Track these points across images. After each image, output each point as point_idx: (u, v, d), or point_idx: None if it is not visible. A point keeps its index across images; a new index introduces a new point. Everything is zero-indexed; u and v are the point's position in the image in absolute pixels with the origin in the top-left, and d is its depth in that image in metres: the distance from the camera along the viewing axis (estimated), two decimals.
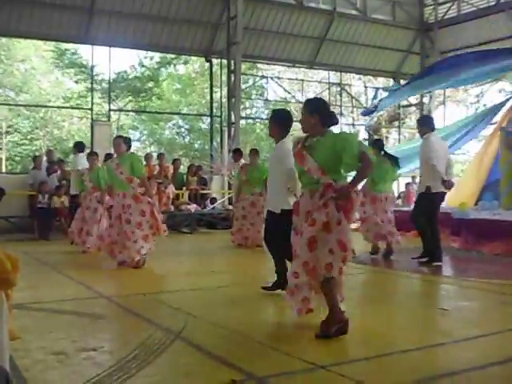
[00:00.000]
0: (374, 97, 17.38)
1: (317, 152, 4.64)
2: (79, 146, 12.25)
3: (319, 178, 4.59)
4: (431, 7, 21.67)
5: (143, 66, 28.92)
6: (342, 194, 4.46)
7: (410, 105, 24.38)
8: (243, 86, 22.04)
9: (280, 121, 6.12)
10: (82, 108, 24.44)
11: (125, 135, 9.76)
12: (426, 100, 23.00)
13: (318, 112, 4.71)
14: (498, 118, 13.80)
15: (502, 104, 13.81)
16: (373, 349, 4.20)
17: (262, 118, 29.97)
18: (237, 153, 12.70)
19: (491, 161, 12.82)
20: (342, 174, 4.67)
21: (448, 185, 8.32)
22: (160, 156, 16.16)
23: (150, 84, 29.07)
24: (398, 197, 18.60)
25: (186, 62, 29.59)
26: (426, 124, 8.69)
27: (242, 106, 21.01)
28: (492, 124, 14.34)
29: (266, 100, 27.91)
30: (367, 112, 16.28)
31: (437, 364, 3.91)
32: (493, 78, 14.09)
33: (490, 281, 7.11)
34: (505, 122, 12.88)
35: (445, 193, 8.59)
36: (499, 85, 24.37)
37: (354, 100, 25.03)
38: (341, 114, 24.46)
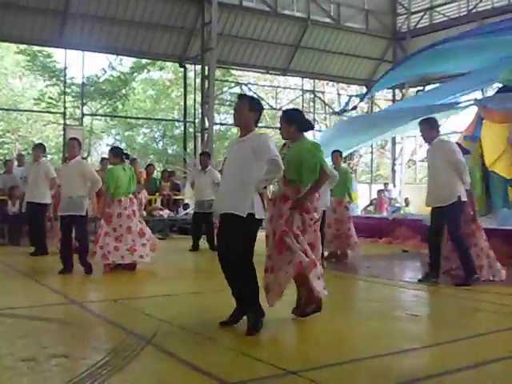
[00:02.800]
0: (347, 104, 17.53)
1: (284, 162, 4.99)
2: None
3: (284, 188, 5.15)
4: (404, 16, 21.96)
5: (117, 70, 28.75)
6: (297, 205, 5.02)
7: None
8: (217, 92, 22.03)
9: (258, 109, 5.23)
10: (55, 112, 24.20)
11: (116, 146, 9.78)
12: None
13: (295, 122, 5.34)
14: (464, 126, 13.99)
15: (463, 106, 13.97)
16: (344, 354, 4.23)
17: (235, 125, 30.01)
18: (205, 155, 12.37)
19: None
20: (304, 183, 5.12)
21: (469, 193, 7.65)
22: (133, 161, 16.06)
23: (124, 89, 28.91)
24: (370, 204, 18.77)
25: (161, 68, 29.47)
26: (435, 127, 7.60)
27: (215, 112, 21.02)
28: (456, 133, 14.57)
29: None
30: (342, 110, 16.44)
31: (407, 369, 3.95)
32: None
33: (461, 287, 7.19)
34: (469, 131, 13.07)
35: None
36: (472, 94, 24.69)
37: (327, 107, 25.18)
38: (314, 121, 24.61)
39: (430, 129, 7.59)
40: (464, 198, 7.34)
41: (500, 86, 13.35)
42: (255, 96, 24.49)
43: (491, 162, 12.39)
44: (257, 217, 4.82)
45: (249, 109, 5.04)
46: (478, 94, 16.73)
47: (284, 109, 5.68)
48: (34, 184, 10.37)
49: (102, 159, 13.90)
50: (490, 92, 17.10)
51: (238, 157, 4.99)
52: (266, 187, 5.03)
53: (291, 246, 4.87)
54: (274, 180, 5.13)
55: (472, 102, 13.45)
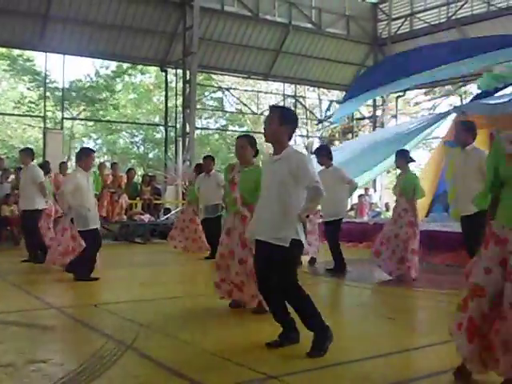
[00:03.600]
0: (328, 109, 17.61)
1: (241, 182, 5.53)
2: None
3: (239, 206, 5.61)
4: (385, 22, 22.11)
5: (99, 75, 28.63)
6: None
7: (364, 118, 24.77)
8: (198, 97, 22.03)
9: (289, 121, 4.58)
10: (35, 116, 24.04)
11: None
12: (378, 113, 23.41)
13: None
14: (444, 131, 14.11)
15: (443, 115, 14.09)
16: (324, 359, 4.24)
17: (217, 129, 30.05)
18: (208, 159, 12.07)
19: (438, 173, 13.12)
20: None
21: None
22: (113, 165, 15.99)
23: (105, 93, 28.79)
24: (351, 209, 18.84)
25: (142, 73, 29.39)
26: (473, 132, 6.89)
27: (197, 117, 21.01)
28: (437, 138, 14.68)
29: (222, 111, 28.01)
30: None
31: (387, 373, 3.96)
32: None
33: (439, 291, 7.24)
34: (449, 136, 13.19)
35: None
36: (450, 99, 24.97)
37: (308, 112, 25.27)
38: None
39: (466, 132, 6.84)
40: None
41: (478, 92, 13.49)
42: (238, 101, 24.60)
43: None
44: (302, 241, 4.44)
45: (279, 122, 4.43)
46: (456, 101, 16.89)
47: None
48: (23, 191, 10.00)
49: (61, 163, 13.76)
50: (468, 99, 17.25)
51: (277, 179, 4.42)
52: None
53: None
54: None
55: (451, 109, 13.58)
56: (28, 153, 10.04)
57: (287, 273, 4.43)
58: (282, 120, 4.44)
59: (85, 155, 8.13)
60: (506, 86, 12.94)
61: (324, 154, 9.09)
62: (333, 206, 8.62)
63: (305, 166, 4.34)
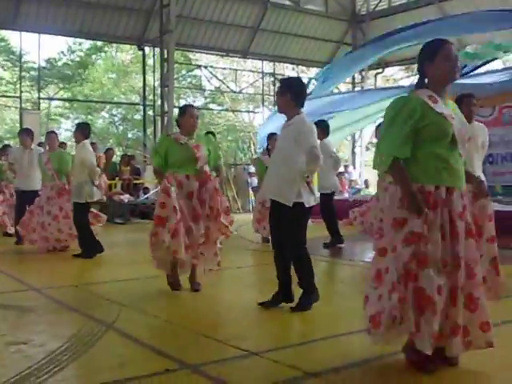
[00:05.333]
0: (307, 86, 17.51)
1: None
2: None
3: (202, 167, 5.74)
4: None
5: (74, 52, 28.24)
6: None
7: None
8: (176, 75, 21.86)
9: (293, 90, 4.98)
10: (10, 96, 23.71)
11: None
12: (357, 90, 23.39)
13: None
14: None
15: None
16: (305, 334, 4.27)
17: (196, 108, 29.83)
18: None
19: None
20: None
21: None
22: (92, 145, 15.80)
23: (81, 71, 28.42)
24: None
25: (119, 50, 29.06)
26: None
27: (175, 96, 20.84)
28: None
29: (200, 89, 27.82)
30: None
31: (367, 348, 3.99)
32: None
33: None
34: None
35: None
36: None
37: None
38: (274, 104, 24.59)
39: (474, 105, 5.93)
40: None
41: None
42: (216, 79, 24.42)
43: None
44: (306, 205, 4.82)
45: (281, 93, 4.99)
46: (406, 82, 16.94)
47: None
48: (28, 172, 9.77)
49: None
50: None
51: (284, 143, 4.97)
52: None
53: None
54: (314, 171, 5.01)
55: (404, 90, 13.58)
56: (29, 134, 9.96)
57: (292, 230, 4.88)
58: (286, 91, 4.93)
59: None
60: (477, 67, 13.02)
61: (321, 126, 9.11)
62: (319, 179, 8.62)
63: (305, 131, 4.85)
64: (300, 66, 25.36)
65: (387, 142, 3.44)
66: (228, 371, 3.51)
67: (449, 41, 3.48)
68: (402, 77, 27.23)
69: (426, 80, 3.51)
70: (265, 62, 22.66)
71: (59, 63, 27.67)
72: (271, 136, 9.48)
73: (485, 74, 12.55)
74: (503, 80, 11.33)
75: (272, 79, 23.22)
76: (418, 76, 3.59)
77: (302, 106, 4.99)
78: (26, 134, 9.99)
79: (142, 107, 21.16)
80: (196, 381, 3.39)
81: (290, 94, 4.89)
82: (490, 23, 11.89)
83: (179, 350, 3.88)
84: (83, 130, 8.48)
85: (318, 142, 5.05)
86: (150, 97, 20.42)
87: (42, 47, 17.84)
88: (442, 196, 3.35)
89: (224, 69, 26.44)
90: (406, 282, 3.27)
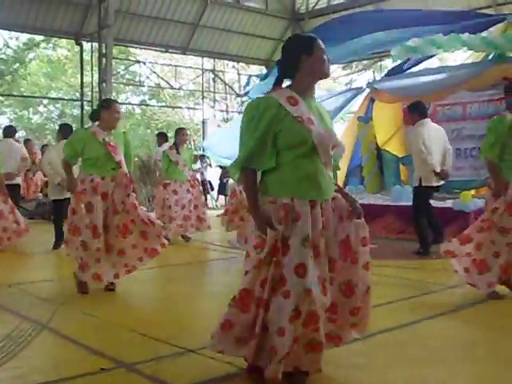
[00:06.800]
0: (247, 84, 17.57)
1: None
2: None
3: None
4: None
5: (9, 47, 27.54)
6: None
7: None
8: (115, 71, 21.58)
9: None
10: None
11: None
12: None
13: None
14: (356, 107, 14.35)
15: (355, 92, 14.37)
16: None
17: (135, 104, 29.55)
18: (160, 136, 11.89)
19: (351, 148, 13.35)
20: None
21: (442, 176, 7.81)
22: (27, 142, 15.47)
23: (17, 66, 27.75)
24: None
25: (56, 46, 28.47)
26: (416, 110, 7.96)
27: (114, 92, 20.59)
28: (351, 113, 14.92)
29: (139, 85, 27.56)
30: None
31: None
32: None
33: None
34: (362, 112, 13.48)
35: (437, 186, 8.03)
36: (367, 74, 25.41)
37: (227, 87, 25.20)
38: (214, 101, 24.61)
39: (410, 113, 8.07)
40: (425, 183, 7.90)
41: (392, 66, 13.76)
42: (156, 76, 24.16)
43: (384, 141, 12.84)
44: None
45: None
46: (369, 76, 17.20)
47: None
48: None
49: None
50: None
51: None
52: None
53: None
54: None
55: (364, 86, 13.83)
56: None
57: None
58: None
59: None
60: (417, 63, 13.30)
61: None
62: None
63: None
64: (240, 63, 25.41)
65: (240, 151, 3.10)
66: (164, 369, 3.52)
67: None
68: (341, 75, 27.57)
69: (292, 78, 3.19)
70: (205, 58, 22.61)
71: None
72: (179, 131, 9.53)
73: (421, 72, 12.85)
74: (438, 79, 11.64)
75: (212, 76, 23.21)
76: (278, 72, 3.25)
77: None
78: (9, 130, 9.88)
79: (79, 103, 20.79)
80: (131, 379, 3.39)
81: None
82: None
83: (115, 349, 3.86)
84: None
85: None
86: (89, 92, 20.09)
87: None
88: (300, 208, 3.02)
89: (164, 65, 26.24)
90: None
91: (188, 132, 10.83)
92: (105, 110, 5.69)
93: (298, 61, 3.12)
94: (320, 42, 3.17)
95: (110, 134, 5.70)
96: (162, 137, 11.42)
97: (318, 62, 3.13)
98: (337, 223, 3.22)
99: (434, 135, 7.93)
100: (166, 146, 10.81)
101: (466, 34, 11.87)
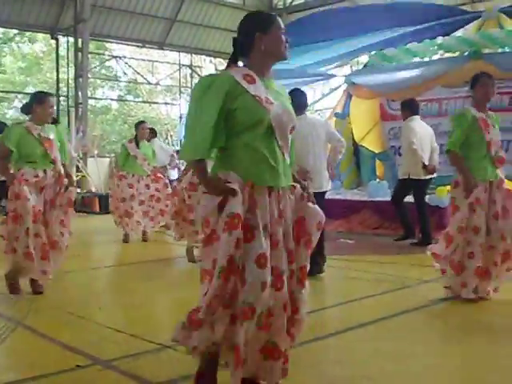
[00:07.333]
0: None
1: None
2: None
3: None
4: None
5: None
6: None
7: None
8: (91, 66, 21.41)
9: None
10: None
11: None
12: None
13: None
14: (333, 103, 14.42)
15: (335, 89, 14.47)
16: None
17: (111, 99, 29.32)
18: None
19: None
20: None
21: (430, 170, 8.21)
22: None
23: None
24: None
25: (31, 41, 28.12)
26: (407, 107, 8.51)
27: (92, 87, 20.44)
28: (328, 108, 14.99)
29: (116, 81, 27.37)
30: None
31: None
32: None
33: (333, 257, 7.43)
34: (338, 108, 13.53)
35: (427, 179, 8.41)
36: (344, 70, 25.40)
37: None
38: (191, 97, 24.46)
39: (401, 109, 8.63)
40: (414, 177, 8.40)
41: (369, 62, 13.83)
42: (133, 71, 24.01)
43: (360, 137, 12.90)
44: None
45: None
46: (346, 70, 17.25)
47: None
48: None
49: None
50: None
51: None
52: None
53: None
54: None
55: (343, 79, 13.89)
56: None
57: None
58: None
59: None
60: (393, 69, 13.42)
61: None
62: None
63: None
64: (218, 59, 25.32)
65: (186, 139, 2.87)
66: (141, 365, 3.51)
67: None
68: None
69: (247, 57, 2.98)
70: (182, 53, 22.51)
71: None
72: (139, 125, 9.41)
73: (398, 67, 12.93)
74: (415, 74, 11.72)
75: (190, 71, 23.11)
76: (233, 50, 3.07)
77: None
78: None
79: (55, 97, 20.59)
80: (107, 376, 3.37)
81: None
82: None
83: (91, 346, 3.84)
84: None
85: None
86: (65, 88, 19.91)
87: None
88: (258, 196, 2.78)
89: (142, 60, 26.07)
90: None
91: (168, 127, 10.68)
92: (38, 105, 5.47)
93: (252, 39, 2.90)
94: (279, 21, 2.94)
95: (44, 128, 5.48)
96: (150, 132, 11.25)
97: (275, 41, 2.89)
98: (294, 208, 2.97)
99: (422, 132, 8.30)
100: (154, 141, 10.78)
101: (440, 38, 12.04)
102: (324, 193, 6.28)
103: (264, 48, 2.88)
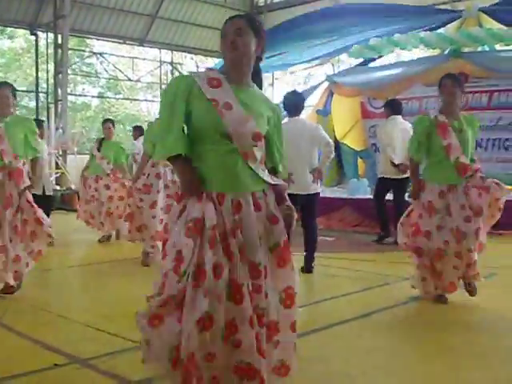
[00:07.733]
0: None
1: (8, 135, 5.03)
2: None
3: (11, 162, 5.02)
4: None
5: None
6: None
7: None
8: (71, 62, 21.26)
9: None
10: None
11: None
12: None
13: None
14: (314, 100, 14.44)
15: (316, 87, 14.52)
16: None
17: (92, 96, 29.13)
18: (136, 129, 11.55)
19: None
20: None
21: (402, 169, 7.96)
22: None
23: None
24: None
25: (10, 37, 27.85)
26: (389, 106, 8.54)
27: (71, 83, 20.29)
28: (310, 106, 15.03)
29: (96, 77, 27.19)
30: None
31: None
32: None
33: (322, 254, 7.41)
34: (320, 105, 13.56)
35: (403, 178, 8.11)
36: (325, 68, 25.50)
37: None
38: None
39: (384, 108, 8.82)
40: (384, 175, 8.50)
41: (351, 60, 13.92)
42: (113, 67, 23.88)
43: (342, 134, 12.95)
44: None
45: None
46: (329, 70, 17.29)
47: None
48: None
49: None
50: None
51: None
52: None
53: None
54: None
55: (324, 79, 13.95)
56: None
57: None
58: None
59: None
60: (374, 59, 13.48)
61: None
62: None
63: None
64: (199, 56, 25.26)
65: (156, 135, 2.85)
66: (119, 363, 3.49)
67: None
68: (299, 69, 27.61)
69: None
70: (163, 50, 22.41)
71: None
72: (103, 123, 9.29)
73: (379, 67, 13.01)
74: (396, 73, 11.81)
75: (170, 68, 23.02)
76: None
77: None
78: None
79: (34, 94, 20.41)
80: (85, 375, 3.35)
81: None
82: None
83: (69, 344, 3.81)
84: None
85: None
86: (45, 84, 19.74)
87: None
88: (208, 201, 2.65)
89: (122, 56, 25.91)
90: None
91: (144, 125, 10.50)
92: None
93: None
94: (230, 22, 2.80)
95: (1, 122, 5.10)
96: (137, 130, 11.09)
97: (222, 45, 2.77)
98: (267, 224, 2.81)
99: (396, 131, 8.18)
100: (141, 139, 10.57)
101: (422, 32, 12.13)
102: (314, 195, 6.25)
103: (222, 52, 2.80)
